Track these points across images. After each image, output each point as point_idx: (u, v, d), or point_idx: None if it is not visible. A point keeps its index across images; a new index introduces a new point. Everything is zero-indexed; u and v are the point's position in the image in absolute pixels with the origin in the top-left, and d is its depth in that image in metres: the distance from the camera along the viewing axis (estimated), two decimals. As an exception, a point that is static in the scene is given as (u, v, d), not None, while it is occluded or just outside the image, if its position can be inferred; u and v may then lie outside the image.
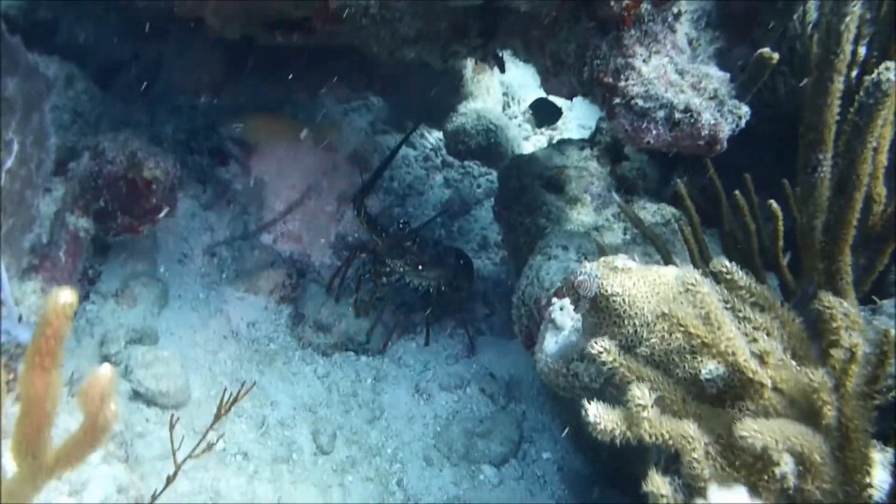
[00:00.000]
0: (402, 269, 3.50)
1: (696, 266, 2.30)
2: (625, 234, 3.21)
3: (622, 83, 2.07)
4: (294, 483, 2.87)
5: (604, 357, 1.45)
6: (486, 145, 5.06)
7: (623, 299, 1.73)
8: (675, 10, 2.09)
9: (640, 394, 1.26)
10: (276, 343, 3.46)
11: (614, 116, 2.13)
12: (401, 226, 3.53)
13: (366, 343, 3.57)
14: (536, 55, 2.47)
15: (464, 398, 3.53)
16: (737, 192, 2.17)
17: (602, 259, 1.83)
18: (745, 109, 2.14)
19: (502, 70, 3.13)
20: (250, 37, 3.01)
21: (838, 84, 1.65)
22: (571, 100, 2.67)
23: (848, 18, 1.54)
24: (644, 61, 2.07)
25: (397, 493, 3.04)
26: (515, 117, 5.71)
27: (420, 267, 3.51)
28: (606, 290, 1.75)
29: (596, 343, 1.46)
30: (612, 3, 2.03)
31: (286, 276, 3.78)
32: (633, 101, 2.05)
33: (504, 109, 5.68)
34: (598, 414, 1.27)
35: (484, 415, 3.44)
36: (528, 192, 3.40)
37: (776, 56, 2.14)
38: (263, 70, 4.66)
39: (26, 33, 2.44)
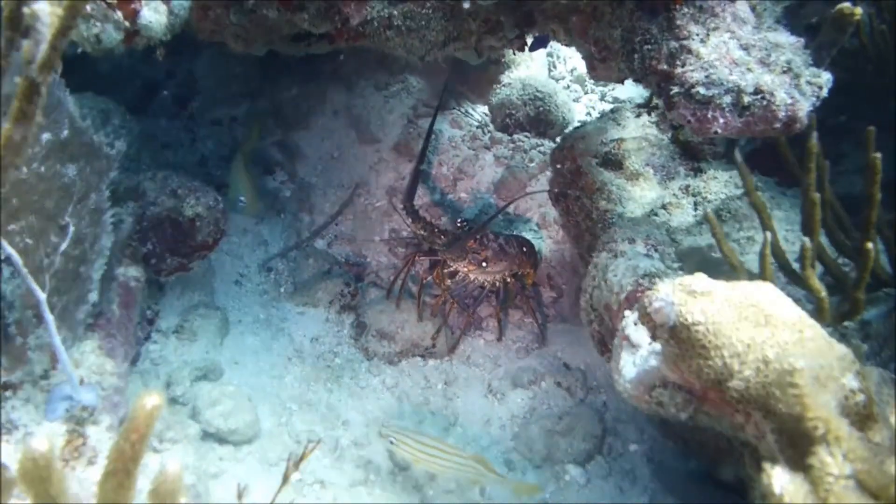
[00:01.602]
0: (465, 269, 3.36)
1: (811, 239, 2.05)
2: (695, 209, 2.97)
3: (679, 70, 1.84)
4: (375, 505, 2.82)
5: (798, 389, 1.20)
6: (534, 115, 4.80)
7: (707, 328, 1.55)
8: (732, -24, 1.84)
9: (832, 462, 1.05)
10: (342, 357, 3.40)
11: (674, 107, 1.90)
12: (459, 225, 3.39)
13: (432, 347, 3.47)
14: (579, 41, 2.24)
15: (539, 394, 3.41)
16: (877, 155, 1.91)
17: (678, 281, 1.64)
18: (825, 77, 1.88)
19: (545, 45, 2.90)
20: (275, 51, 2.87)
21: None
22: (623, 83, 2.43)
23: None
24: (702, 41, 1.83)
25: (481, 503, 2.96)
26: (563, 78, 5.41)
27: (484, 264, 3.36)
28: (687, 320, 1.57)
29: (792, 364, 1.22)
30: (661, -18, 1.79)
31: (343, 284, 3.70)
32: (693, 90, 1.81)
33: (550, 72, 5.39)
34: (785, 487, 1.07)
35: (563, 410, 3.31)
36: (585, 174, 3.18)
37: (859, 11, 1.86)
38: (297, 68, 4.54)
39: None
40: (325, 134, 4.66)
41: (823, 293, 1.99)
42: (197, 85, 4.41)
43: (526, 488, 2.71)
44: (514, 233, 3.96)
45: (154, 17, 1.82)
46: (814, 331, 1.52)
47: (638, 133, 3.40)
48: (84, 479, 2.12)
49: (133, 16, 1.76)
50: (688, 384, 1.69)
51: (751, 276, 2.27)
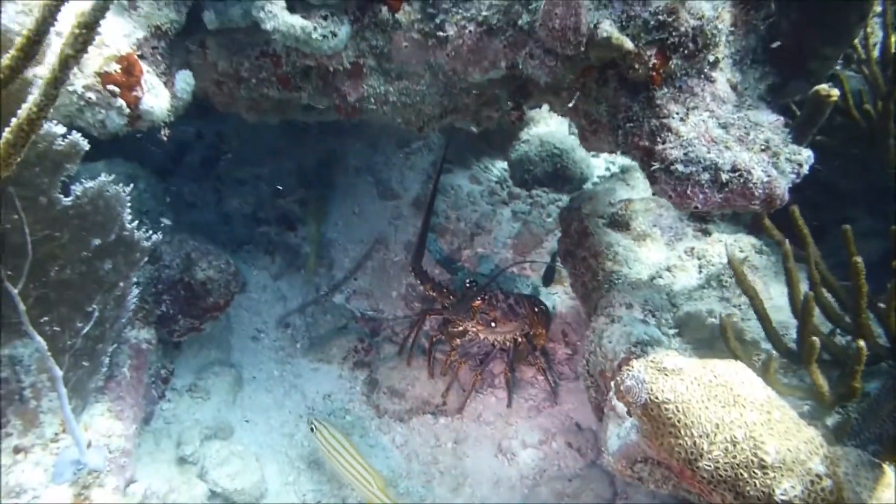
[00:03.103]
0: (474, 329, 3.40)
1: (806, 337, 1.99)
2: (699, 272, 2.97)
3: (659, 147, 1.88)
4: (378, 568, 2.83)
5: None
6: (552, 171, 4.88)
7: (676, 407, 1.56)
8: (710, 58, 1.88)
9: None
10: (353, 414, 3.45)
11: (656, 182, 1.94)
12: (468, 285, 3.43)
13: (442, 405, 3.50)
14: (571, 114, 2.31)
15: (550, 454, 3.39)
16: (857, 259, 1.86)
17: (650, 359, 1.66)
18: (805, 154, 1.90)
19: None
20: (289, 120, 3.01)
21: None
22: (614, 154, 2.49)
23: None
24: (681, 120, 1.88)
25: (487, 567, 2.94)
26: (583, 133, 5.47)
27: (493, 324, 3.39)
28: (657, 398, 1.58)
29: None
30: (637, 66, 1.85)
31: (358, 340, 3.77)
32: (672, 167, 1.85)
33: (570, 127, 5.46)
34: None
35: (573, 472, 3.29)
36: (591, 234, 3.21)
37: (836, 93, 1.89)
38: (320, 127, 4.70)
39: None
40: (347, 190, 4.79)
41: (825, 388, 1.96)
42: (224, 146, 4.59)
43: None
44: (529, 291, 4.00)
45: (155, 102, 1.96)
46: (782, 412, 1.52)
47: (647, 193, 3.42)
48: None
49: (135, 103, 1.90)
50: (665, 461, 1.69)
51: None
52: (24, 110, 1.39)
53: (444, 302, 3.41)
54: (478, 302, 3.35)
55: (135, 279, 2.32)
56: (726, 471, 1.50)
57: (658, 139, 1.89)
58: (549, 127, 5.16)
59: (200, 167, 4.46)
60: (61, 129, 1.85)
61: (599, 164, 5.19)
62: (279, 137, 4.78)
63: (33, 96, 1.40)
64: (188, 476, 2.75)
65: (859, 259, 1.81)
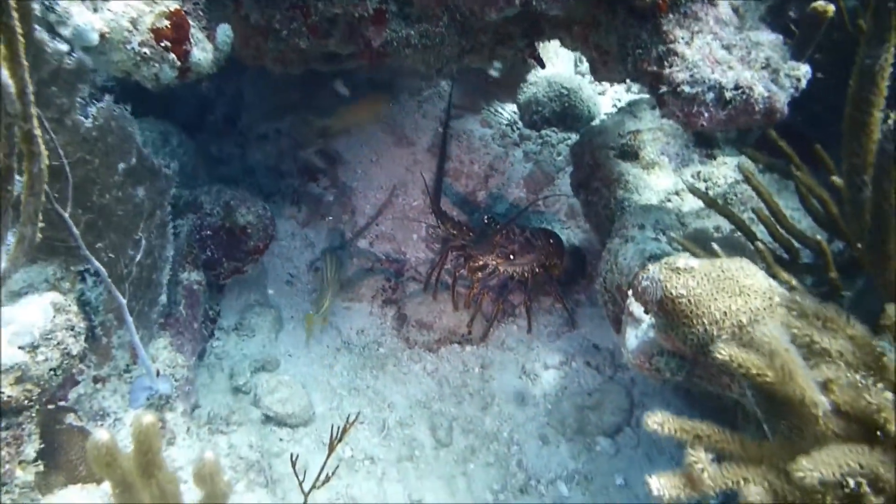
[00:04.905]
0: (494, 262, 3.61)
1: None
2: (706, 194, 3.15)
3: (666, 70, 2.04)
4: (420, 479, 3.10)
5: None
6: (560, 111, 5.02)
7: (689, 300, 1.76)
8: (712, -16, 2.03)
9: (697, 456, 1.36)
10: (385, 346, 3.69)
11: (664, 104, 2.11)
12: (486, 221, 3.63)
13: (468, 334, 3.73)
14: (582, 47, 2.47)
15: (570, 373, 3.64)
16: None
17: (664, 261, 1.86)
18: (803, 70, 2.06)
19: (542, 66, 3.14)
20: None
21: (876, 117, 1.65)
22: (624, 83, 2.64)
23: (883, 59, 1.53)
24: (686, 44, 2.03)
25: (518, 474, 3.21)
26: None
27: (511, 256, 3.60)
28: (671, 293, 1.79)
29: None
30: (644, -4, 2.00)
31: (385, 280, 4.00)
32: (679, 88, 2.02)
33: (576, 67, 5.57)
34: (661, 486, 1.36)
35: (592, 387, 3.54)
36: (602, 166, 3.39)
37: (831, 8, 2.03)
38: (335, 77, 4.83)
39: (118, 99, 2.69)
40: (364, 139, 4.95)
41: (794, 281, 2.13)
42: (244, 101, 4.75)
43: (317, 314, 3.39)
44: (543, 225, 4.19)
45: (202, 55, 2.13)
46: (783, 297, 1.72)
47: (654, 124, 3.58)
48: (164, 458, 2.45)
49: (185, 56, 2.07)
50: (679, 351, 1.91)
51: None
52: None
53: (464, 239, 3.62)
54: (497, 237, 3.56)
55: (169, 208, 2.53)
56: (734, 352, 1.71)
57: (665, 63, 2.05)
58: (555, 68, 5.27)
59: (223, 123, 4.63)
60: (65, 47, 1.93)
61: (606, 102, 5.31)
62: (294, 92, 4.92)
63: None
64: (243, 403, 3.01)
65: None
